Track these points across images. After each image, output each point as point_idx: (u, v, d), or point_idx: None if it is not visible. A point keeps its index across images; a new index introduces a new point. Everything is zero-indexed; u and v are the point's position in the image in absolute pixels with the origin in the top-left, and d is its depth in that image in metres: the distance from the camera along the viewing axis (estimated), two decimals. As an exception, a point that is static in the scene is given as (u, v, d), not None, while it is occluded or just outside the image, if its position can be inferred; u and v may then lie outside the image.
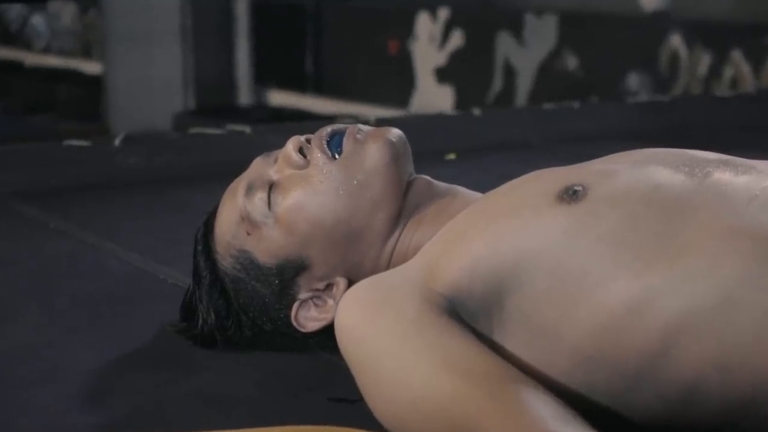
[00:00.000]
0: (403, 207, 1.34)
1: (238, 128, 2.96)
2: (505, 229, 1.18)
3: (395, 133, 1.36)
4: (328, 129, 1.37)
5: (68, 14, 8.64)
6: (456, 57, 6.72)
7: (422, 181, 1.38)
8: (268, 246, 1.34)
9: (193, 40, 7.33)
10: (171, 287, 1.66)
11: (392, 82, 7.03)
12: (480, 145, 2.91)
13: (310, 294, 1.35)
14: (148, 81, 7.13)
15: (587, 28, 6.06)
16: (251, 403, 1.27)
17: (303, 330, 1.35)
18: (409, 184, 1.36)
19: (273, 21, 7.71)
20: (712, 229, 1.10)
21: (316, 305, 1.35)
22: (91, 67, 8.24)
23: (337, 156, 1.33)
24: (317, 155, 1.34)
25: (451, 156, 2.73)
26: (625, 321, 1.09)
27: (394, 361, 1.14)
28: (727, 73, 5.51)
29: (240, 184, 1.38)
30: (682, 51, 5.67)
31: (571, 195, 1.17)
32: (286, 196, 1.33)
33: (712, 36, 5.57)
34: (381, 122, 2.97)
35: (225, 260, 1.38)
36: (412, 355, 1.13)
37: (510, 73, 6.45)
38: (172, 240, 1.86)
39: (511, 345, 1.17)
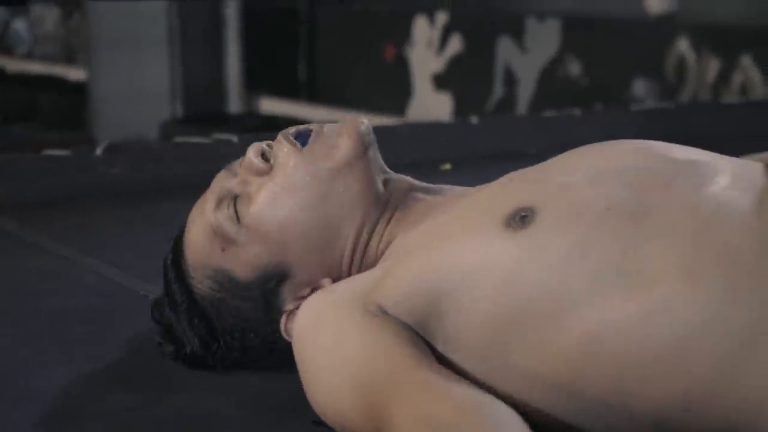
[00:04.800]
0: (379, 202, 1.33)
1: (224, 137, 3.02)
2: (449, 252, 1.19)
3: (364, 122, 1.35)
4: (292, 129, 1.35)
5: (51, 19, 8.58)
6: (455, 63, 6.62)
7: (401, 178, 1.38)
8: (246, 259, 1.32)
9: (181, 45, 7.28)
10: (152, 303, 1.62)
11: (388, 89, 6.95)
12: (478, 154, 2.96)
13: (296, 303, 1.32)
14: (135, 88, 7.06)
15: (591, 32, 5.94)
16: (234, 425, 1.27)
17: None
18: (387, 181, 1.36)
19: (264, 26, 7.64)
20: (671, 256, 1.08)
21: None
22: (75, 74, 8.13)
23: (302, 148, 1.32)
24: (283, 151, 1.32)
25: (447, 166, 2.74)
26: (578, 354, 1.09)
27: (320, 365, 1.20)
28: (737, 79, 5.37)
29: (207, 200, 1.36)
30: (690, 56, 5.54)
31: (518, 221, 1.16)
32: (252, 204, 1.31)
33: (721, 41, 5.44)
34: (375, 130, 2.95)
35: (201, 283, 1.36)
36: (339, 360, 1.18)
37: (511, 79, 6.34)
38: (155, 254, 1.83)
39: (457, 359, 1.18)
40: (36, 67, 8.84)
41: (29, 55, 8.99)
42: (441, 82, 6.74)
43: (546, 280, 1.11)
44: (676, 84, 5.60)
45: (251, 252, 1.32)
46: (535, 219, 1.15)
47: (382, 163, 1.37)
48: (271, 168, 1.32)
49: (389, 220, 1.33)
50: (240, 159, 1.38)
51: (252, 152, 1.34)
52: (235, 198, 1.33)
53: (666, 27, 5.64)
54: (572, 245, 1.11)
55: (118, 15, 6.93)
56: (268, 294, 1.33)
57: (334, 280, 1.32)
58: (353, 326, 1.19)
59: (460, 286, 1.16)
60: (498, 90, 6.40)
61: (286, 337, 1.33)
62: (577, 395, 1.11)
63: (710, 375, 1.05)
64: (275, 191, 1.31)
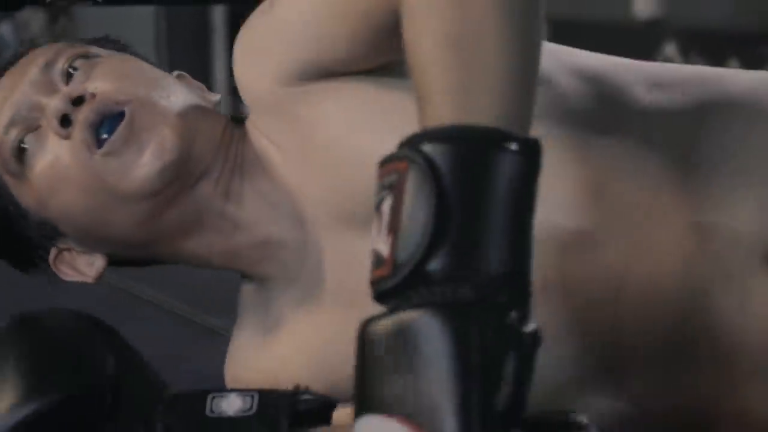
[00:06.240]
0: (171, 225, 1.21)
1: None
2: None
3: (172, 151, 1.17)
4: (100, 103, 1.17)
5: (37, 23, 8.58)
6: (442, 68, 6.62)
7: (209, 190, 1.21)
8: (25, 199, 1.22)
9: (168, 51, 7.30)
10: (148, 306, 1.68)
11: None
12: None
13: (69, 246, 1.26)
14: (121, 93, 7.02)
15: (579, 36, 5.86)
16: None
17: (62, 276, 1.28)
18: (194, 180, 1.20)
19: (251, 31, 7.64)
20: None
21: (78, 253, 1.27)
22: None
23: (100, 146, 1.16)
24: (79, 137, 1.16)
25: None
26: None
27: None
28: (724, 83, 5.39)
29: (6, 103, 1.21)
30: (678, 60, 5.55)
31: None
32: (39, 166, 1.19)
33: (708, 44, 5.47)
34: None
35: None
36: None
37: (499, 84, 6.34)
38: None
39: None
40: (22, 73, 8.87)
41: (15, 61, 9.02)
42: (428, 86, 6.73)
43: None
44: (664, 88, 5.64)
45: (30, 198, 1.22)
46: None
47: (209, 157, 1.24)
48: (69, 135, 1.17)
49: (205, 229, 1.23)
50: (64, 52, 1.23)
51: (59, 104, 1.17)
52: (26, 131, 1.20)
53: (653, 31, 5.69)
54: None
55: (105, 20, 6.88)
56: (41, 229, 1.24)
57: (111, 257, 1.27)
58: None
59: None
60: (486, 94, 6.41)
61: (54, 269, 1.28)
62: None
63: None
64: (59, 176, 1.19)
